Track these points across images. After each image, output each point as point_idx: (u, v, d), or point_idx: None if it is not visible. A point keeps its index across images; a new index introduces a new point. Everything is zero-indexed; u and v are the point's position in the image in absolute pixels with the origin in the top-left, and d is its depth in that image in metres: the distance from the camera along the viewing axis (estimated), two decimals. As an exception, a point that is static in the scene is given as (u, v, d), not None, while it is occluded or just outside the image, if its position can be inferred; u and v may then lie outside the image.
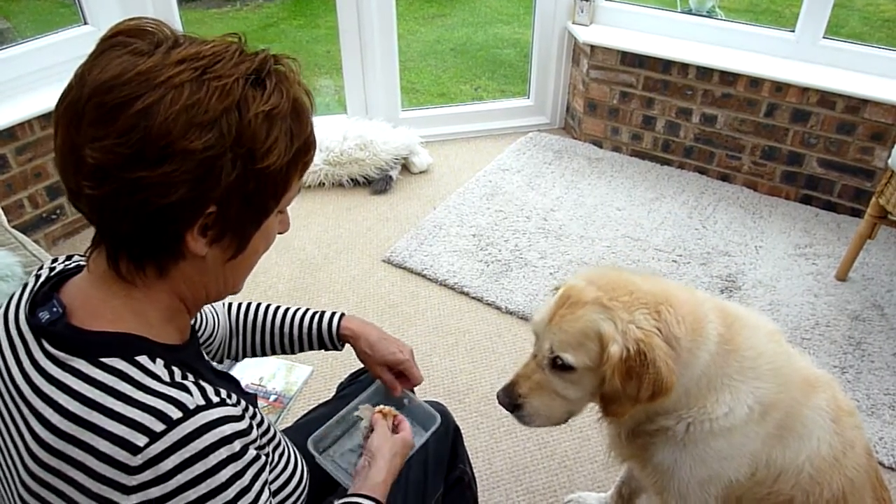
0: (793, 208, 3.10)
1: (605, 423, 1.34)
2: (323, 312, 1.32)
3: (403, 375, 1.28)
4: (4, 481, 0.82)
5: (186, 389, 0.76)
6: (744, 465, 1.24)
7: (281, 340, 1.31)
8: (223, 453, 0.75)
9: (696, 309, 1.19)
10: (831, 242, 2.87)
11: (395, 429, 1.17)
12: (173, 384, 0.77)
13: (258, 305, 1.33)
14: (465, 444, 1.44)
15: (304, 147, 0.86)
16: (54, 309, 0.81)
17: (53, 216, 2.83)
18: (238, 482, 0.77)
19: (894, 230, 2.86)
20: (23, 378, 0.78)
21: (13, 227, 2.52)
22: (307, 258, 2.81)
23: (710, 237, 2.90)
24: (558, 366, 1.20)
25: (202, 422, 0.74)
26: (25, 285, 0.88)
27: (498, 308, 2.52)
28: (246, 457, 0.79)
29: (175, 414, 0.73)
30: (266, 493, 0.82)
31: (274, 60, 0.83)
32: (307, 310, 1.33)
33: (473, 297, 2.57)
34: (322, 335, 1.30)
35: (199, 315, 1.18)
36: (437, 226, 2.95)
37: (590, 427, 2.06)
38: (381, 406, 1.21)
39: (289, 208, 0.93)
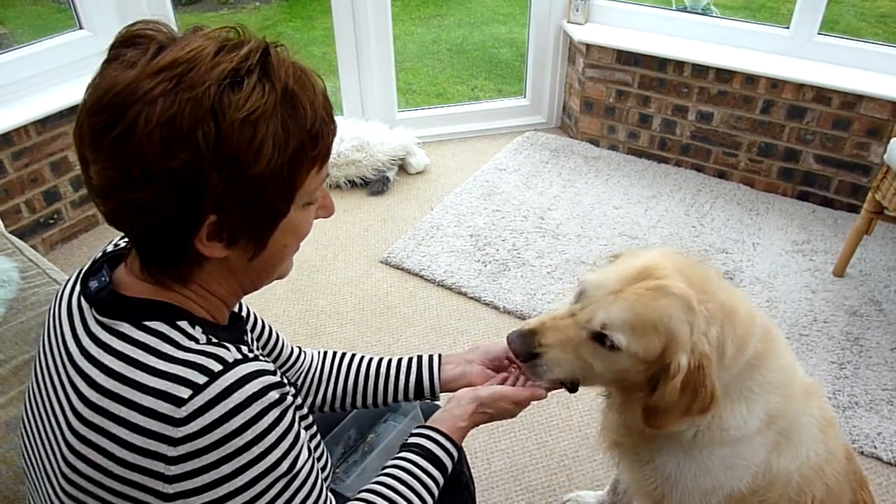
0: (790, 205, 3.11)
1: (608, 406, 1.31)
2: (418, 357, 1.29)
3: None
4: (49, 445, 0.83)
5: (224, 347, 0.80)
6: (746, 476, 1.22)
7: (375, 387, 1.26)
8: (264, 402, 0.77)
9: (748, 329, 1.13)
10: (828, 238, 2.88)
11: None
12: (210, 344, 0.80)
13: (353, 355, 1.29)
14: (464, 443, 1.44)
15: (311, 139, 0.80)
16: (102, 278, 0.85)
17: (51, 221, 2.83)
18: (279, 426, 0.80)
19: (891, 225, 2.87)
20: (74, 343, 0.81)
21: (10, 232, 2.52)
22: (305, 260, 2.81)
23: (707, 234, 2.90)
24: (603, 342, 1.08)
25: (242, 373, 0.77)
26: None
27: (496, 308, 2.53)
28: (284, 403, 0.81)
29: (215, 367, 0.76)
30: (303, 434, 0.85)
31: (263, 51, 0.77)
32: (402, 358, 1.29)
33: (471, 297, 2.58)
34: (422, 376, 1.25)
35: (291, 348, 1.21)
36: (435, 226, 2.96)
37: (588, 426, 2.07)
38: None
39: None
